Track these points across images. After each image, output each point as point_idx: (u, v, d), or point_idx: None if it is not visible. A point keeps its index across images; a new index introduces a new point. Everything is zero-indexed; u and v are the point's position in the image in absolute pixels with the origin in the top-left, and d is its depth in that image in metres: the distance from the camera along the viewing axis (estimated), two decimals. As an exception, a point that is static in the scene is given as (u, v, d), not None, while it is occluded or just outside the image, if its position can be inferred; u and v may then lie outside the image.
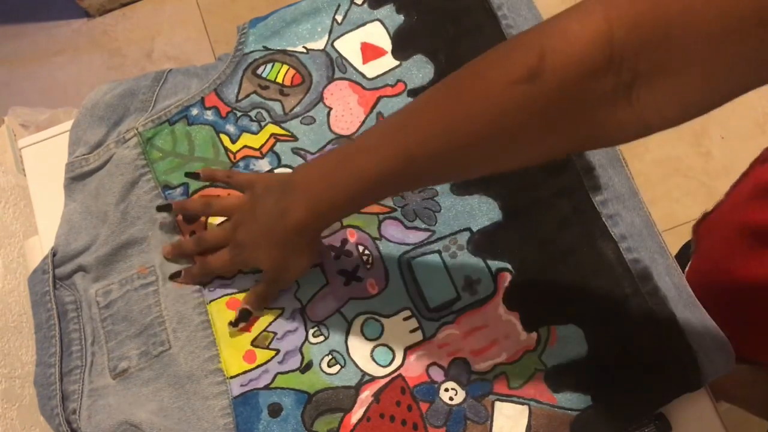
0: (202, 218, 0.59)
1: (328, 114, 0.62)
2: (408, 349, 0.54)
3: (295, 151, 0.61)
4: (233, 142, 0.61)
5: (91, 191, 0.61)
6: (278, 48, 0.65)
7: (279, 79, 0.63)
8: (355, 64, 0.64)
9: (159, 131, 0.62)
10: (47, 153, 0.65)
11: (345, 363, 0.54)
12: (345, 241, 0.57)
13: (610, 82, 0.33)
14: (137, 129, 0.62)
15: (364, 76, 0.63)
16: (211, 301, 0.56)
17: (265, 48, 0.65)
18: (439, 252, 0.56)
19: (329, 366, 0.54)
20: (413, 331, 0.54)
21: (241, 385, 0.54)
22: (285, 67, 0.64)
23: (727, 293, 0.53)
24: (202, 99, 0.63)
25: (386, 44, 0.64)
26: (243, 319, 0.54)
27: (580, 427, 0.50)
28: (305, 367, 0.54)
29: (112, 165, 0.61)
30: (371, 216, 0.58)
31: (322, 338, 0.55)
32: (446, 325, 0.54)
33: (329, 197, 0.46)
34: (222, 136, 0.62)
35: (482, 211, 0.57)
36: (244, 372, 0.54)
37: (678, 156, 1.39)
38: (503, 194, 0.58)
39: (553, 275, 0.55)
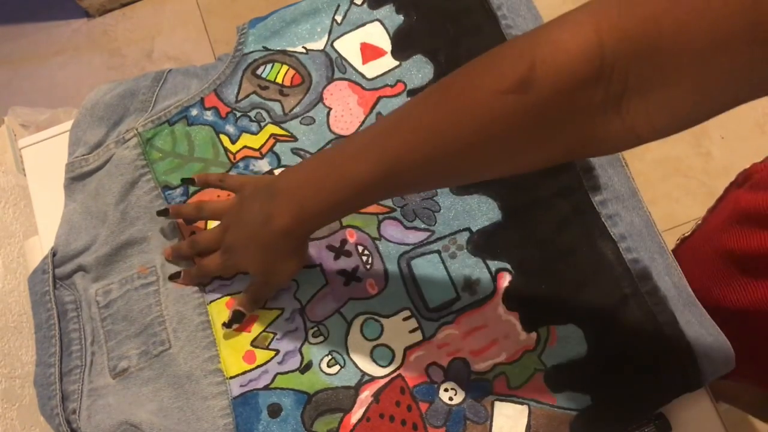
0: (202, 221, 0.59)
1: (328, 114, 0.62)
2: (408, 349, 0.54)
3: (295, 152, 0.61)
4: (233, 142, 0.61)
5: (91, 191, 0.61)
6: (278, 48, 0.65)
7: (279, 80, 0.63)
8: (354, 65, 0.64)
9: (159, 131, 0.62)
10: (47, 153, 0.65)
11: (344, 363, 0.54)
12: (344, 242, 0.57)
13: (600, 94, 0.32)
14: (137, 129, 0.62)
15: (363, 76, 0.63)
16: (211, 301, 0.56)
17: (265, 48, 0.65)
18: (438, 252, 0.56)
19: (329, 366, 0.54)
20: (413, 331, 0.54)
21: (241, 386, 0.54)
22: (285, 68, 0.64)
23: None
24: (202, 99, 0.63)
25: (386, 44, 0.64)
26: (236, 321, 0.54)
27: (579, 427, 0.50)
28: (305, 368, 0.54)
29: (112, 165, 0.61)
30: (371, 216, 0.58)
31: (321, 338, 0.55)
32: (446, 325, 0.54)
33: (314, 203, 0.45)
34: (222, 136, 0.62)
35: (482, 211, 0.57)
36: (244, 372, 0.54)
37: (678, 156, 1.39)
38: (503, 194, 0.58)
39: (553, 275, 0.55)
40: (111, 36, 1.61)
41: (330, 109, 0.62)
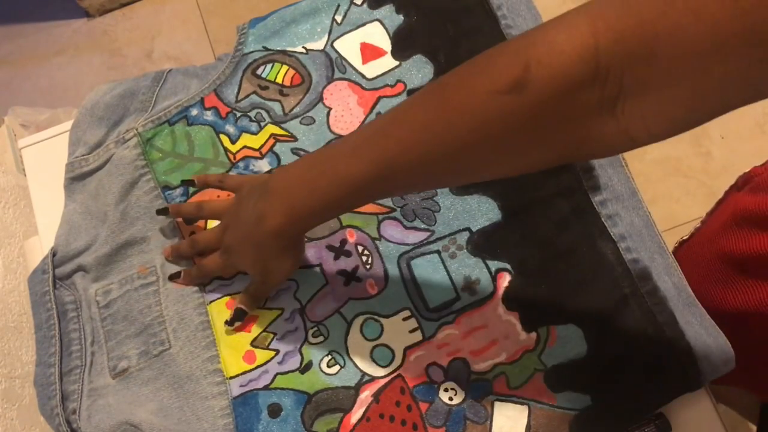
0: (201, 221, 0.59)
1: (328, 114, 0.62)
2: (407, 349, 0.54)
3: (295, 152, 0.61)
4: (233, 142, 0.61)
5: (91, 191, 0.61)
6: (278, 48, 0.65)
7: (279, 80, 0.63)
8: (354, 65, 0.64)
9: (159, 132, 0.62)
10: (47, 153, 0.65)
11: (344, 363, 0.54)
12: (344, 242, 0.57)
13: (595, 96, 0.32)
14: (137, 129, 0.62)
15: (363, 76, 0.63)
16: (211, 301, 0.56)
17: (265, 48, 0.65)
18: (438, 252, 0.56)
19: (329, 366, 0.54)
20: (413, 331, 0.54)
21: (241, 386, 0.54)
22: (285, 68, 0.64)
23: None
24: (202, 99, 0.63)
25: (386, 44, 0.64)
26: (238, 319, 0.54)
27: (579, 427, 0.50)
28: (305, 368, 0.54)
29: (112, 165, 0.61)
30: (371, 216, 0.58)
31: (321, 338, 0.55)
32: (446, 325, 0.54)
33: (307, 203, 0.45)
34: (222, 136, 0.62)
35: (482, 211, 0.57)
36: (244, 372, 0.54)
37: (678, 156, 1.39)
38: (502, 194, 0.58)
39: (553, 275, 0.55)
40: (111, 36, 1.61)
41: (330, 109, 0.62)
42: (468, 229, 0.57)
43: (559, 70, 0.32)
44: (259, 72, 0.64)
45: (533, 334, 0.53)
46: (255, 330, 0.55)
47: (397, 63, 0.63)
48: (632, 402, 0.51)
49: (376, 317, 0.55)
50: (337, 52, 0.64)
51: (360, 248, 0.57)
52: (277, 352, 0.54)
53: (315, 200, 0.44)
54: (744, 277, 0.55)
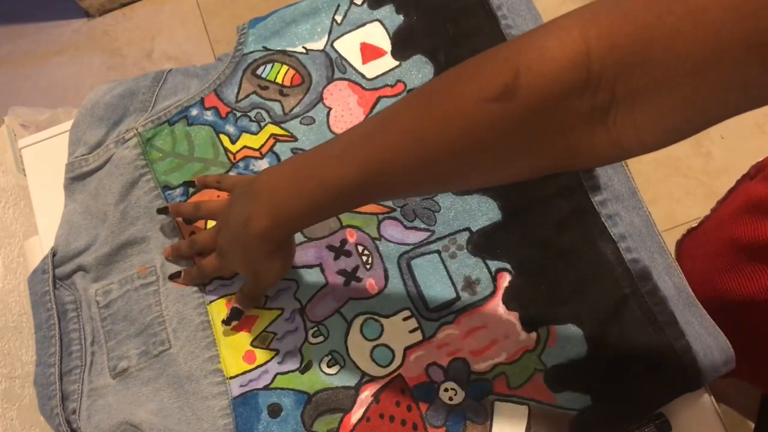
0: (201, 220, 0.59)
1: (328, 114, 0.62)
2: (407, 349, 0.54)
3: (295, 152, 0.61)
4: (233, 142, 0.61)
5: (91, 191, 0.61)
6: (278, 48, 0.65)
7: (279, 80, 0.63)
8: (354, 65, 0.64)
9: (159, 131, 0.62)
10: (47, 153, 0.65)
11: (344, 363, 0.54)
12: (344, 242, 0.57)
13: (586, 104, 0.31)
14: (137, 129, 0.62)
15: (363, 76, 0.63)
16: (211, 301, 0.56)
17: (265, 48, 0.65)
18: (438, 252, 0.56)
19: (329, 366, 0.54)
20: (413, 331, 0.54)
21: (241, 386, 0.54)
22: (285, 68, 0.64)
23: (710, 311, 0.53)
24: (202, 99, 0.63)
25: (386, 44, 0.64)
26: (234, 318, 0.54)
27: (579, 427, 0.50)
28: (305, 368, 0.54)
29: (112, 165, 0.61)
30: (371, 216, 0.58)
31: (321, 338, 0.55)
32: (446, 325, 0.54)
33: (293, 206, 0.44)
34: (222, 136, 0.62)
35: (482, 211, 0.57)
36: (244, 372, 0.54)
37: (678, 156, 1.39)
38: (503, 194, 0.58)
39: (553, 275, 0.55)
40: (111, 36, 1.61)
41: (330, 109, 0.62)
42: (468, 229, 0.57)
43: (549, 77, 0.31)
44: (259, 72, 0.64)
45: (533, 334, 0.53)
46: (255, 330, 0.55)
47: (397, 63, 0.63)
48: (632, 402, 0.51)
49: (376, 317, 0.55)
50: (337, 52, 0.64)
51: (360, 248, 0.57)
52: (277, 352, 0.54)
53: (300, 204, 0.43)
54: (753, 265, 0.55)
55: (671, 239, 0.62)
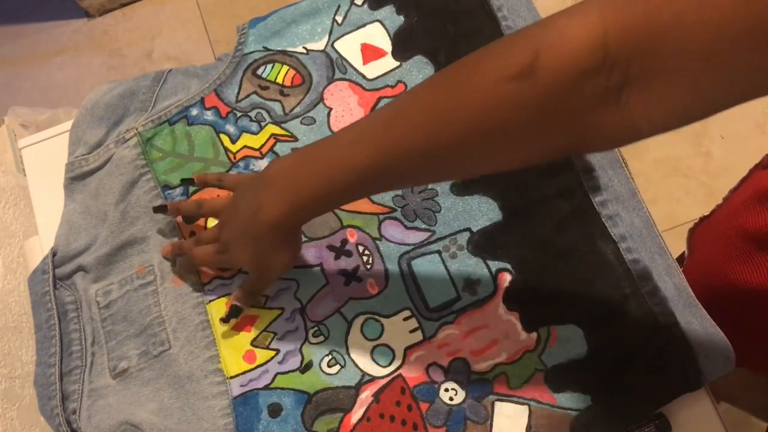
0: (201, 219, 0.59)
1: (328, 114, 0.62)
2: (408, 349, 0.54)
3: (295, 152, 0.61)
4: (233, 142, 0.61)
5: (91, 191, 0.61)
6: (278, 48, 0.65)
7: (279, 80, 0.64)
8: (355, 65, 0.64)
9: (159, 131, 0.62)
10: (47, 153, 0.65)
11: (345, 363, 0.54)
12: (345, 242, 0.57)
13: (601, 84, 0.32)
14: (137, 129, 0.62)
15: (364, 76, 0.63)
16: (210, 301, 0.56)
17: (265, 48, 0.65)
18: (439, 252, 0.56)
19: (329, 366, 0.54)
20: (413, 331, 0.54)
21: (241, 386, 0.54)
22: (285, 68, 0.64)
23: (721, 299, 0.53)
24: (202, 99, 0.63)
25: (386, 45, 0.64)
26: (233, 315, 0.54)
27: (580, 427, 0.50)
28: (305, 367, 0.54)
29: (112, 165, 0.61)
30: (371, 216, 0.58)
31: (322, 338, 0.55)
32: (446, 325, 0.54)
33: (305, 191, 0.44)
34: (222, 136, 0.62)
35: (482, 212, 0.57)
36: (244, 372, 0.54)
37: (678, 156, 1.39)
38: (503, 194, 0.58)
39: (553, 275, 0.55)
40: (111, 36, 1.61)
41: (330, 109, 0.62)
42: (468, 229, 0.57)
43: (567, 57, 0.33)
44: (259, 72, 0.64)
45: (534, 334, 0.53)
46: (255, 330, 0.55)
47: (397, 63, 0.63)
48: (632, 402, 0.51)
49: (376, 317, 0.55)
50: (337, 52, 0.64)
51: (361, 248, 0.57)
52: (278, 351, 0.54)
53: (313, 188, 0.44)
54: (763, 254, 0.55)
55: (671, 239, 0.62)
